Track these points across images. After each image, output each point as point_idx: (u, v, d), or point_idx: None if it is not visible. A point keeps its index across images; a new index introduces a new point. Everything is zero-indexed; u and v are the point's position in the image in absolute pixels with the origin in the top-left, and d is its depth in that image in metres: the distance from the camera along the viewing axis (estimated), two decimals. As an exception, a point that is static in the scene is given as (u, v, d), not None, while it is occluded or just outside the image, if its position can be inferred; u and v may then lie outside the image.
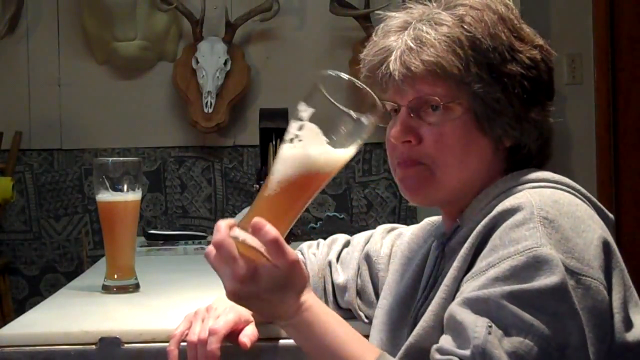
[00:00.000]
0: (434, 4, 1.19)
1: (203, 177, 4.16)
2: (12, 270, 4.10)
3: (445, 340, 1.01)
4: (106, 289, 1.77)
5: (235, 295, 1.05)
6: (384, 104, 1.20)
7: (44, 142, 4.11)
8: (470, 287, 1.03)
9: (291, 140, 1.08)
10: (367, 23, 3.93)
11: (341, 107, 1.09)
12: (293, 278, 1.05)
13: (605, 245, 1.08)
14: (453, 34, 1.13)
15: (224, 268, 1.05)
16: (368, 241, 1.44)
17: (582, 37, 4.14)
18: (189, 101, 3.98)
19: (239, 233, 1.06)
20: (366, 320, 1.39)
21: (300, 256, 1.48)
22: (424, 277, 1.23)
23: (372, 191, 4.16)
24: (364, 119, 1.09)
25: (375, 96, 1.10)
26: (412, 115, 1.16)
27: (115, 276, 1.78)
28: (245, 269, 1.03)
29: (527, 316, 0.98)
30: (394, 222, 4.16)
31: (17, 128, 4.02)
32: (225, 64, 3.93)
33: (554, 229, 1.04)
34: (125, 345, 1.39)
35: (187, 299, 1.71)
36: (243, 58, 4.07)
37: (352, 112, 1.09)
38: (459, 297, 1.04)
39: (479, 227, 1.09)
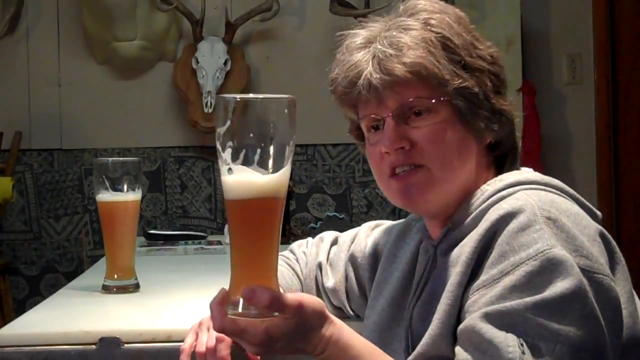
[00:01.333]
0: (392, 16, 1.21)
1: (203, 177, 4.16)
2: (12, 270, 4.10)
3: (470, 358, 1.00)
4: (106, 289, 1.78)
5: (262, 354, 1.03)
6: (359, 123, 1.20)
7: (44, 142, 4.11)
8: (486, 298, 1.02)
9: (229, 170, 0.99)
10: (367, 23, 3.93)
11: (251, 95, 1.00)
12: (307, 319, 1.01)
13: (604, 238, 1.08)
14: (425, 36, 1.15)
15: (239, 341, 1.03)
16: (353, 240, 1.44)
17: (582, 37, 4.14)
18: (189, 101, 3.98)
19: (233, 310, 1.00)
20: (356, 320, 1.40)
21: (291, 255, 1.49)
22: (415, 277, 1.23)
23: (372, 191, 4.16)
24: (274, 96, 1.00)
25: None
26: (399, 121, 1.16)
27: (115, 276, 1.78)
28: (259, 336, 0.99)
29: (554, 326, 0.97)
30: (394, 222, 4.17)
31: (17, 128, 4.02)
32: (225, 64, 3.92)
33: (559, 228, 1.04)
34: (125, 345, 1.39)
35: (187, 299, 1.71)
36: (243, 58, 4.07)
37: (258, 95, 1.00)
38: (474, 308, 1.02)
39: (481, 231, 1.08)
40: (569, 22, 4.14)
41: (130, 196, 1.79)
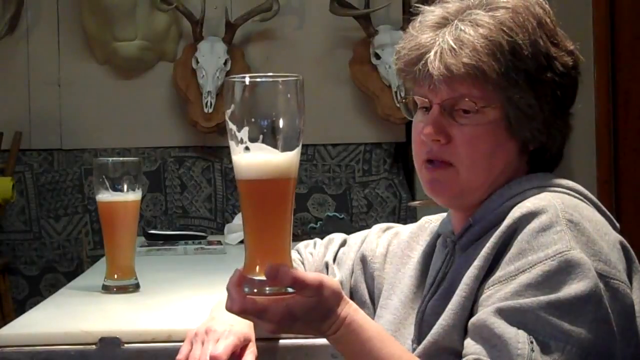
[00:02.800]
0: (471, 1, 1.18)
1: (203, 177, 4.16)
2: (12, 270, 4.10)
3: (479, 351, 1.00)
4: (106, 289, 1.78)
5: (278, 332, 1.04)
6: (414, 99, 1.20)
7: (44, 142, 4.11)
8: (501, 294, 1.02)
9: (245, 149, 1.01)
10: (367, 23, 3.93)
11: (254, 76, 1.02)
12: (326, 299, 1.02)
13: (625, 248, 1.08)
14: (494, 38, 1.13)
15: (258, 321, 1.03)
16: (364, 241, 1.44)
17: (582, 37, 4.14)
18: (189, 101, 3.98)
19: (249, 289, 1.02)
20: None
21: (297, 255, 1.49)
22: (431, 273, 1.23)
23: (372, 191, 4.16)
24: (281, 78, 1.02)
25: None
26: (444, 114, 1.16)
27: (115, 276, 1.78)
28: (279, 313, 1.00)
29: (565, 326, 0.97)
30: (394, 222, 4.16)
31: (17, 128, 4.02)
32: (225, 64, 3.92)
33: (580, 232, 1.04)
34: (125, 345, 1.39)
35: (187, 299, 1.71)
36: (243, 58, 4.07)
37: (266, 77, 1.02)
38: (488, 303, 1.02)
39: (502, 228, 1.08)
40: (569, 22, 4.14)
41: (130, 196, 1.79)
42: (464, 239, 1.18)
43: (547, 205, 1.07)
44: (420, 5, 1.21)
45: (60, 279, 4.05)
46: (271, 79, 1.02)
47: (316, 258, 1.46)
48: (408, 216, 4.09)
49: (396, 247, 1.37)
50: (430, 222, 1.35)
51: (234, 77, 1.02)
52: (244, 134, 1.00)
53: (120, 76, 4.14)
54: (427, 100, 1.18)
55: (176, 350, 1.39)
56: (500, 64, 1.12)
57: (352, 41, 4.07)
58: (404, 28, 1.27)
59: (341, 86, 4.12)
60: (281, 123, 1.01)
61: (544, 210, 1.06)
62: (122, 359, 1.39)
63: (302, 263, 1.48)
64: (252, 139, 1.00)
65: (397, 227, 1.44)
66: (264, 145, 1.00)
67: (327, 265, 1.44)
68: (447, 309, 1.11)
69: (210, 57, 3.90)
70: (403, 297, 1.27)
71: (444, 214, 1.32)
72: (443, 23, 1.17)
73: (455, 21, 1.15)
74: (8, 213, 4.09)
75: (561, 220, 1.04)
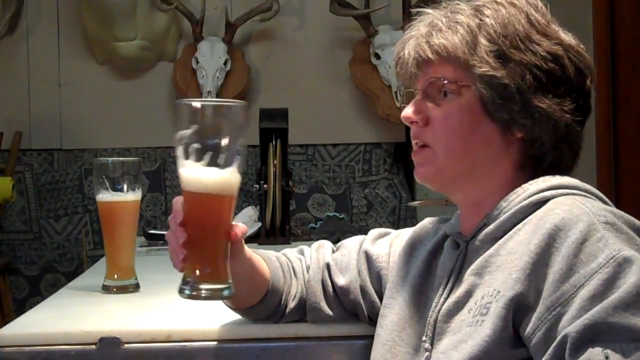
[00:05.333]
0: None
1: (203, 177, 4.16)
2: (12, 270, 4.10)
3: None
4: (106, 289, 1.77)
5: None
6: (409, 91, 1.24)
7: (44, 142, 4.11)
8: (567, 317, 0.99)
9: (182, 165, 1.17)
10: (367, 23, 3.93)
11: (197, 100, 1.16)
12: None
13: None
14: (465, 21, 1.16)
15: None
16: (362, 243, 1.43)
17: (582, 37, 4.13)
18: (189, 101, 3.98)
19: (189, 292, 1.20)
20: (368, 321, 1.38)
21: (284, 259, 1.44)
22: (441, 273, 1.22)
23: (372, 191, 4.16)
24: (222, 103, 1.16)
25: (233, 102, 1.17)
26: (426, 98, 1.19)
27: (115, 276, 1.78)
28: None
29: (639, 324, 0.97)
30: (393, 222, 4.17)
31: (17, 128, 4.02)
32: (225, 64, 3.92)
33: (617, 231, 1.04)
34: (125, 345, 1.39)
35: (187, 299, 1.71)
36: (243, 58, 4.07)
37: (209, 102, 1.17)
38: (555, 331, 1.00)
39: (536, 241, 1.06)
40: (569, 22, 4.13)
41: (130, 196, 1.79)
42: (477, 238, 1.17)
43: (580, 213, 1.06)
44: (420, 9, 1.24)
45: (60, 279, 4.05)
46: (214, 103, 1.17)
47: (312, 261, 1.42)
48: (408, 216, 4.09)
49: (398, 247, 1.37)
50: (434, 223, 1.34)
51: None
52: (184, 152, 1.16)
53: (120, 76, 4.14)
54: (412, 90, 1.22)
55: (176, 351, 1.39)
56: (467, 44, 1.15)
57: (352, 41, 4.07)
58: (404, 28, 1.30)
59: (341, 86, 4.12)
60: (222, 143, 1.14)
61: (579, 218, 1.05)
62: (122, 359, 1.39)
63: (291, 267, 1.44)
64: (190, 158, 1.16)
65: (396, 231, 1.44)
66: (196, 164, 1.16)
67: (328, 267, 1.41)
68: (484, 326, 1.07)
69: (210, 57, 3.90)
70: (407, 297, 1.26)
71: (448, 216, 1.32)
72: (425, 16, 1.22)
73: (435, 12, 1.21)
74: (8, 213, 4.09)
75: (598, 226, 1.04)
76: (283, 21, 4.10)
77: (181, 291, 1.19)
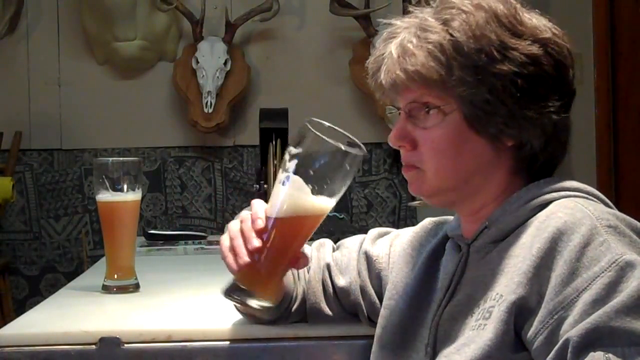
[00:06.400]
0: (430, 8, 1.18)
1: (203, 177, 4.16)
2: (12, 270, 4.10)
3: None
4: (106, 289, 1.77)
5: None
6: (390, 108, 1.23)
7: (44, 142, 4.11)
8: (569, 321, 0.99)
9: (283, 182, 1.16)
10: (367, 23, 3.93)
11: (330, 140, 1.15)
12: None
13: None
14: (435, 40, 1.13)
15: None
16: (362, 243, 1.43)
17: (582, 37, 4.14)
18: (189, 101, 3.98)
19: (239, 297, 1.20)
20: (367, 321, 1.38)
21: None
22: (443, 276, 1.21)
23: (372, 191, 4.16)
24: (352, 151, 1.16)
25: (356, 141, 1.17)
26: (409, 120, 1.17)
27: (115, 276, 1.78)
28: None
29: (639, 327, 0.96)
30: (393, 222, 4.17)
31: (17, 128, 4.02)
32: (225, 64, 3.93)
33: (620, 234, 1.04)
34: (125, 345, 1.39)
35: (187, 299, 1.71)
36: (243, 58, 4.07)
37: (341, 145, 1.16)
38: (557, 334, 1.00)
39: (538, 245, 1.06)
40: (569, 22, 4.13)
41: (130, 196, 1.79)
42: (479, 241, 1.16)
43: (582, 217, 1.06)
44: (389, 20, 1.22)
45: (60, 279, 4.05)
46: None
47: (312, 261, 1.42)
48: (408, 216, 4.09)
49: (398, 247, 1.37)
50: (434, 224, 1.34)
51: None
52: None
53: (120, 76, 4.14)
54: (394, 107, 1.20)
55: (176, 351, 1.39)
56: (441, 65, 1.12)
57: (352, 41, 4.07)
58: (372, 37, 1.29)
59: (341, 86, 4.12)
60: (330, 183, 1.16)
61: (581, 222, 1.05)
62: (122, 359, 1.39)
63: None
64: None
65: (396, 231, 1.44)
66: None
67: (329, 267, 1.41)
68: (486, 329, 1.07)
69: (210, 57, 3.90)
70: (408, 300, 1.26)
71: (448, 217, 1.31)
72: (397, 33, 1.18)
73: (406, 30, 1.17)
74: (8, 213, 4.09)
75: (600, 229, 1.04)
76: (283, 21, 4.10)
77: (229, 294, 1.19)
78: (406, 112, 1.17)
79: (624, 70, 4.16)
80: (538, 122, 1.14)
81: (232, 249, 1.22)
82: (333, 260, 1.42)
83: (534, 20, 1.17)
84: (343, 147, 1.14)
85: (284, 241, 1.19)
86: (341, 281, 1.39)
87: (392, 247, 1.38)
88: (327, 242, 1.47)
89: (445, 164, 1.15)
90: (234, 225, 1.25)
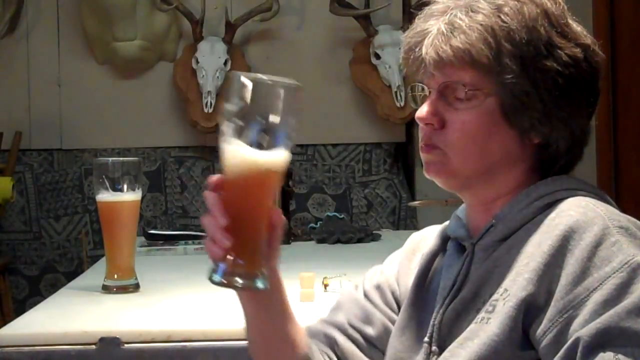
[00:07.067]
0: None
1: (203, 177, 4.16)
2: (12, 270, 4.10)
3: None
4: (106, 289, 1.78)
5: None
6: (418, 86, 1.19)
7: (44, 142, 4.11)
8: (579, 320, 0.99)
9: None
10: (367, 23, 3.93)
11: (264, 77, 1.09)
12: None
13: None
14: (487, 23, 1.12)
15: None
16: (363, 285, 1.33)
17: (582, 37, 4.14)
18: (189, 101, 3.98)
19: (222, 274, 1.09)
20: None
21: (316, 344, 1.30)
22: (446, 275, 1.19)
23: (372, 191, 4.16)
24: (286, 82, 1.10)
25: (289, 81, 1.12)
26: (441, 99, 1.15)
27: (115, 276, 1.78)
28: None
29: None
30: (393, 222, 4.16)
31: (17, 128, 4.02)
32: (225, 64, 3.92)
33: (631, 236, 1.04)
34: (125, 345, 1.39)
35: (187, 299, 1.71)
36: (243, 58, 4.07)
37: (273, 78, 1.09)
38: (567, 333, 0.99)
39: (550, 242, 1.05)
40: (569, 22, 4.14)
41: (130, 196, 1.79)
42: (485, 239, 1.16)
43: (594, 216, 1.05)
44: None
45: (60, 279, 4.05)
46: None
47: (330, 329, 1.30)
48: (408, 216, 4.09)
49: (395, 264, 1.32)
50: (421, 234, 1.32)
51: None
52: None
53: (120, 76, 4.14)
54: (427, 86, 1.18)
55: (176, 350, 1.39)
56: (491, 49, 1.11)
57: (352, 41, 4.07)
58: (404, 28, 1.27)
59: (341, 86, 4.12)
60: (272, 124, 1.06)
61: (593, 221, 1.05)
62: (122, 359, 1.39)
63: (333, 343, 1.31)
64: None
65: (386, 260, 1.37)
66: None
67: (348, 325, 1.29)
68: (491, 324, 1.06)
69: (210, 57, 3.90)
70: (406, 302, 1.25)
71: (435, 227, 1.30)
72: (444, 11, 1.16)
73: (455, 9, 1.15)
74: (8, 213, 4.09)
75: (612, 230, 1.03)
76: (283, 21, 4.10)
77: (211, 277, 1.09)
78: (440, 91, 1.15)
79: (624, 70, 4.16)
80: (569, 124, 1.15)
81: (209, 233, 1.13)
82: (348, 317, 1.31)
83: (577, 25, 1.17)
84: (276, 80, 1.09)
85: (244, 203, 1.09)
86: (371, 330, 1.29)
87: (387, 269, 1.33)
88: (336, 303, 1.35)
89: (471, 149, 1.14)
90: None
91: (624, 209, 1.12)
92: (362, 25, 3.93)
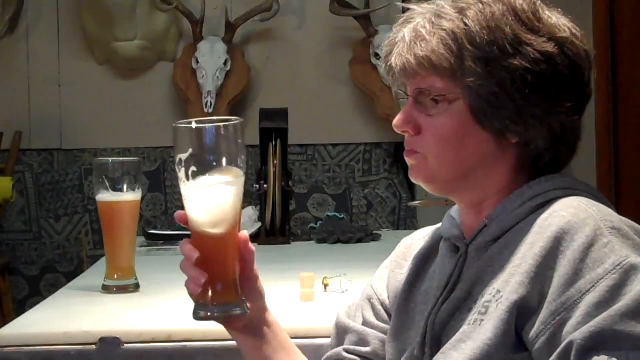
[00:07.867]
0: None
1: (203, 177, 4.16)
2: (12, 270, 4.10)
3: None
4: (106, 289, 1.78)
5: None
6: (399, 93, 1.20)
7: (44, 142, 4.11)
8: (572, 322, 0.99)
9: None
10: (367, 23, 3.93)
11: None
12: None
13: None
14: (449, 28, 1.12)
15: None
16: (355, 305, 1.33)
17: (582, 37, 4.14)
18: (189, 101, 3.98)
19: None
20: None
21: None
22: (439, 276, 1.19)
23: (372, 191, 4.16)
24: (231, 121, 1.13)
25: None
26: (417, 105, 1.16)
27: (115, 276, 1.78)
28: None
29: None
30: (393, 222, 4.16)
31: (17, 128, 4.02)
32: (225, 64, 3.92)
33: (624, 237, 1.03)
34: (125, 345, 1.39)
35: (187, 299, 1.71)
36: (243, 58, 4.07)
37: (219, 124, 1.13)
38: (559, 336, 0.99)
39: (542, 243, 1.05)
40: (569, 22, 4.14)
41: (130, 196, 1.79)
42: (478, 240, 1.15)
43: (586, 217, 1.05)
44: (409, 6, 1.21)
45: (60, 279, 4.05)
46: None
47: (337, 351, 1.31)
48: (408, 216, 4.09)
49: (384, 279, 1.32)
50: (411, 238, 1.31)
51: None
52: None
53: (120, 76, 4.14)
54: (402, 92, 1.19)
55: (176, 351, 1.39)
56: (452, 53, 1.11)
57: (352, 41, 4.07)
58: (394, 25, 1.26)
59: (341, 86, 4.12)
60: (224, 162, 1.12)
61: (585, 222, 1.04)
62: (122, 359, 1.39)
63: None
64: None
65: (375, 273, 1.36)
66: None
67: (355, 343, 1.29)
68: (484, 328, 1.06)
69: (210, 57, 3.90)
70: (396, 306, 1.25)
71: (426, 229, 1.30)
72: (412, 18, 1.17)
73: (422, 16, 1.16)
74: (8, 213, 4.09)
75: (604, 231, 1.03)
76: (283, 21, 4.10)
77: (194, 314, 1.14)
78: (413, 98, 1.16)
79: (624, 70, 4.16)
80: (545, 121, 1.13)
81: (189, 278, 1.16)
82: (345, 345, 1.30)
83: (554, 18, 1.16)
84: (221, 124, 1.13)
85: (208, 238, 1.14)
86: (366, 347, 1.28)
87: (376, 282, 1.32)
88: (335, 326, 1.33)
89: (447, 154, 1.14)
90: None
91: (624, 209, 1.12)
92: (362, 25, 3.94)
